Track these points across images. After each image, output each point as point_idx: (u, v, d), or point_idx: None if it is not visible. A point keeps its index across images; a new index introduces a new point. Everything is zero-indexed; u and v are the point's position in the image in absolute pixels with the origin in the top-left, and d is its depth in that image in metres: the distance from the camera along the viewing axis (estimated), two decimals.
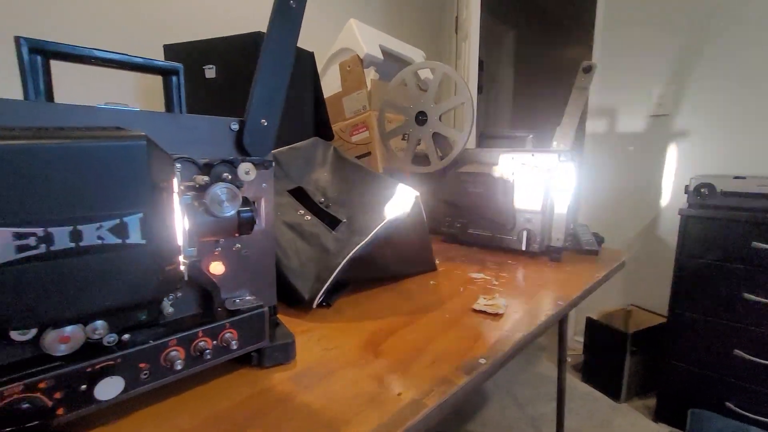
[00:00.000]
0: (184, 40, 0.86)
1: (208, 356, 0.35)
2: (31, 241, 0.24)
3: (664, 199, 1.68)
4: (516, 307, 0.59)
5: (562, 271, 0.80)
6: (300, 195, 0.66)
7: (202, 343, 0.35)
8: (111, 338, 0.30)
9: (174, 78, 0.35)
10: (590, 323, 1.66)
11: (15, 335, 0.26)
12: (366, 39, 1.14)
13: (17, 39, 0.27)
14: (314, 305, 0.54)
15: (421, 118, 1.01)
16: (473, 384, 0.41)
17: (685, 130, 1.61)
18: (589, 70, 0.79)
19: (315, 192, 0.67)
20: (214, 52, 0.82)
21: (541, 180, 0.83)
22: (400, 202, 0.62)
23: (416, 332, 0.50)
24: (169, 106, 0.35)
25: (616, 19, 1.72)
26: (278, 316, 0.47)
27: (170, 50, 0.87)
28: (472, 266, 0.81)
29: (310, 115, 0.97)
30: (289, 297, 0.55)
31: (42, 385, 0.26)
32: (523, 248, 0.88)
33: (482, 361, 0.43)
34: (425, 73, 1.32)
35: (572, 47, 3.64)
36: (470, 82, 1.79)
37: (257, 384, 0.38)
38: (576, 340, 1.94)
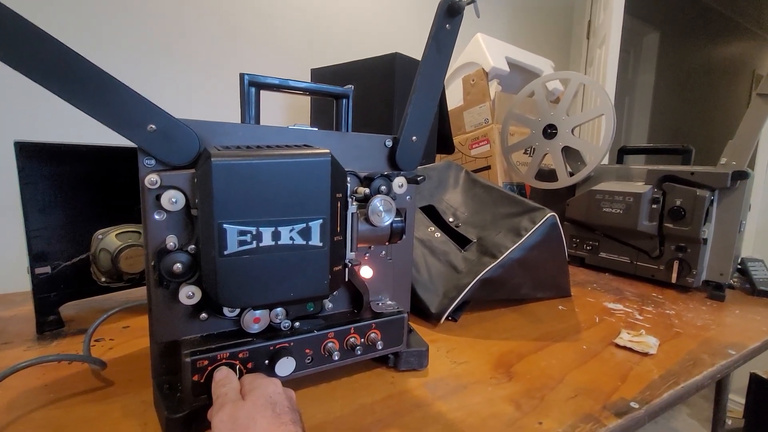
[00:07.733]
0: (329, 64, 0.96)
1: (359, 351, 0.38)
2: (248, 237, 0.29)
3: None
4: (670, 348, 0.51)
5: (729, 313, 0.66)
6: (431, 213, 0.68)
7: (353, 339, 0.38)
8: (286, 324, 0.35)
9: (344, 101, 0.40)
10: (758, 382, 1.33)
11: (226, 311, 0.33)
12: (492, 52, 1.12)
13: (241, 75, 0.34)
14: (441, 321, 0.55)
15: (550, 131, 0.95)
16: (624, 429, 0.37)
17: None
18: None
19: (446, 211, 0.68)
20: (353, 73, 0.91)
21: (702, 203, 0.71)
22: (535, 223, 0.59)
23: (550, 359, 0.47)
24: (338, 125, 0.40)
25: None
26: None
27: (316, 73, 0.98)
28: (606, 295, 0.73)
29: (433, 128, 1.00)
30: (416, 308, 0.57)
31: (241, 355, 0.32)
32: (673, 280, 0.76)
33: (634, 405, 0.39)
34: (552, 84, 1.25)
35: (732, 45, 3.05)
36: (607, 91, 1.62)
37: (395, 385, 0.40)
38: (732, 399, 1.59)
